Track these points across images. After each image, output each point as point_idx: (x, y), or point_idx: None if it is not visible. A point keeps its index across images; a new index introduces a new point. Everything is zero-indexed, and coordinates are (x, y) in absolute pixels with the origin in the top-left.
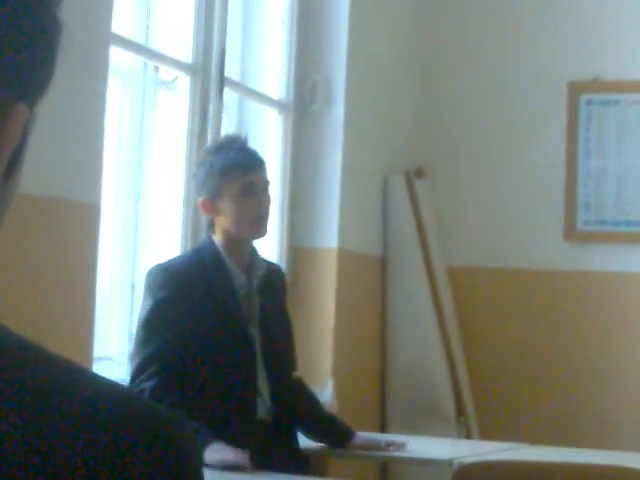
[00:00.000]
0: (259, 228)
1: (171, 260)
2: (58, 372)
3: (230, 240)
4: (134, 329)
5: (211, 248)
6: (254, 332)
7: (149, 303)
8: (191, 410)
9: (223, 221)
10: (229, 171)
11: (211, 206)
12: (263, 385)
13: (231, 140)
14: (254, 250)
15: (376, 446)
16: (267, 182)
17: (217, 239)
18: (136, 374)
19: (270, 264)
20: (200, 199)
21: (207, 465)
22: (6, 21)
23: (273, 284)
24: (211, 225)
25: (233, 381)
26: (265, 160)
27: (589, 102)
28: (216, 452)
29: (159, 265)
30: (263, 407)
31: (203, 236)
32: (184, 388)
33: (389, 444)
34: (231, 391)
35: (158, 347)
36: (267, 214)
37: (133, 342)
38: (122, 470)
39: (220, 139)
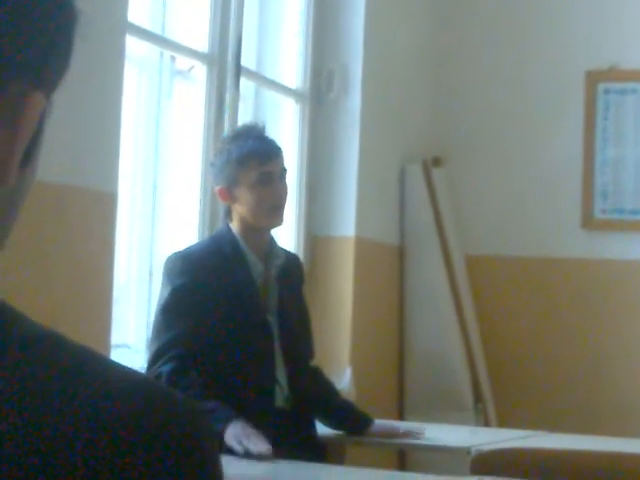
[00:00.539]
0: (276, 217)
1: (189, 247)
2: (68, 364)
3: (247, 228)
4: (152, 316)
5: (229, 236)
6: (272, 321)
7: (167, 290)
8: (211, 392)
9: (240, 209)
10: (246, 160)
11: (228, 194)
12: (281, 374)
13: (249, 129)
14: (272, 239)
15: (394, 433)
16: (284, 170)
17: (235, 227)
18: (153, 360)
19: (288, 253)
20: (217, 187)
21: (227, 449)
22: (22, 10)
23: (291, 273)
24: (228, 213)
25: (251, 369)
26: (282, 148)
27: (606, 91)
28: (237, 434)
29: (177, 252)
30: (281, 395)
31: (220, 224)
32: (202, 375)
33: (407, 432)
34: (249, 379)
35: (176, 334)
36: (284, 203)
37: (151, 329)
38: (122, 470)
39: (238, 128)
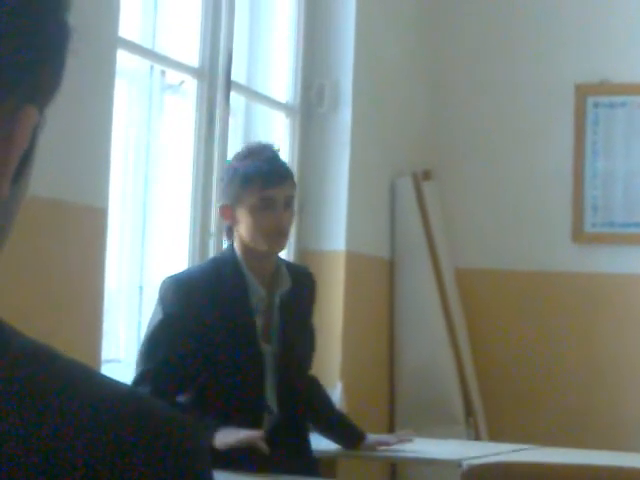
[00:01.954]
0: (274, 243)
1: (187, 271)
2: (62, 372)
3: (248, 251)
4: (142, 331)
5: (231, 259)
6: (266, 349)
7: (158, 316)
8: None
9: (241, 231)
10: (249, 181)
11: (230, 213)
12: (272, 398)
13: (261, 148)
14: (280, 263)
15: (386, 445)
16: (291, 197)
17: (237, 248)
18: (136, 383)
19: (300, 272)
20: (220, 204)
21: (219, 454)
22: (16, 25)
23: (300, 295)
24: (230, 232)
25: (238, 399)
26: (292, 174)
27: (596, 104)
28: (226, 435)
29: (173, 276)
30: (268, 422)
31: (224, 243)
32: (186, 398)
33: (399, 440)
34: (236, 409)
35: (156, 365)
36: (285, 231)
37: (139, 350)
38: (122, 470)
39: (251, 145)
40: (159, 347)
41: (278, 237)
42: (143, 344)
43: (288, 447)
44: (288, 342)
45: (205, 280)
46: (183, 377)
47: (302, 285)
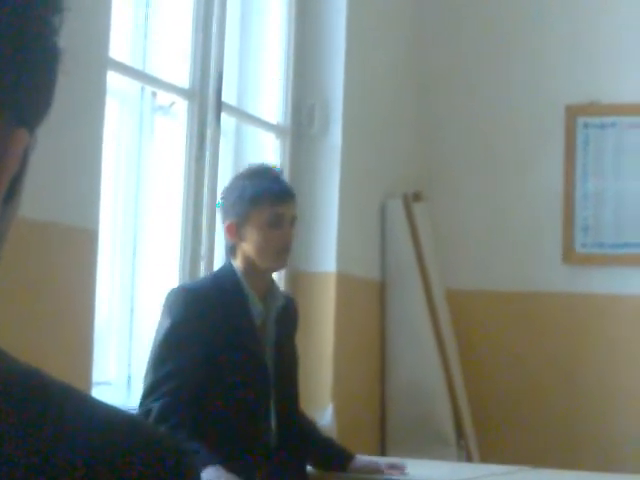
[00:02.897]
0: (281, 261)
1: (192, 282)
2: (54, 396)
3: (251, 268)
4: (134, 353)
5: (231, 274)
6: (269, 363)
7: (167, 323)
8: (200, 432)
9: (246, 248)
10: (260, 199)
11: (236, 231)
12: (272, 414)
13: (265, 169)
14: (273, 280)
15: (376, 469)
16: (296, 217)
17: (238, 265)
18: (147, 393)
19: (287, 296)
20: (226, 223)
21: None
22: (7, 47)
23: (287, 316)
24: (232, 250)
25: (247, 409)
26: (296, 194)
27: (586, 125)
28: (210, 476)
29: (180, 286)
30: (271, 436)
31: (223, 260)
32: (196, 411)
33: (389, 467)
34: (244, 419)
35: (172, 369)
36: (290, 248)
37: (148, 361)
38: (122, 471)
39: (254, 166)
40: (171, 352)
41: (284, 254)
42: (153, 352)
43: (283, 465)
44: (281, 355)
45: (210, 290)
46: (194, 385)
47: (289, 307)
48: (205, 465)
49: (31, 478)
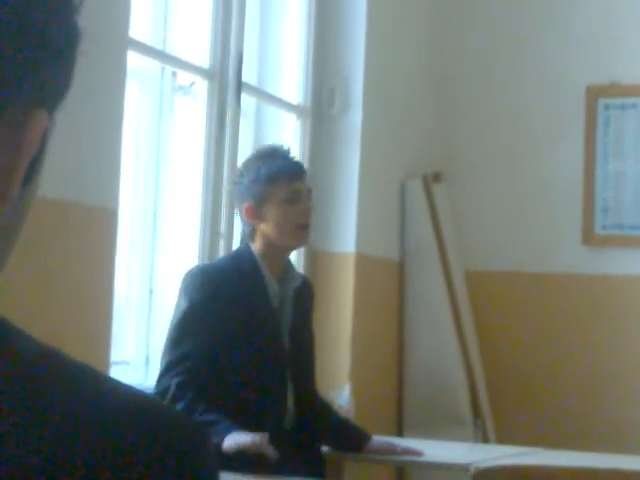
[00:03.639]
0: (302, 236)
1: (209, 263)
2: (68, 374)
3: (270, 248)
4: (152, 333)
5: (248, 256)
6: (286, 343)
7: (185, 304)
8: (216, 404)
9: (266, 228)
10: (276, 178)
11: (255, 213)
12: (289, 396)
13: (275, 149)
14: (289, 261)
15: (392, 451)
16: (310, 190)
17: (256, 247)
18: (164, 372)
19: (303, 277)
20: (244, 205)
21: (226, 456)
22: (26, 29)
23: (304, 297)
24: (252, 234)
25: (264, 390)
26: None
27: (607, 106)
28: (233, 439)
29: (197, 267)
30: (288, 417)
31: (240, 244)
32: (212, 391)
33: (405, 450)
34: (261, 400)
35: (189, 349)
36: (310, 222)
37: (165, 341)
38: (123, 470)
39: (264, 148)
40: (189, 332)
41: (304, 230)
42: (171, 332)
43: (299, 451)
44: (297, 335)
45: (228, 273)
46: (211, 365)
47: (305, 288)
48: (227, 432)
49: (31, 478)
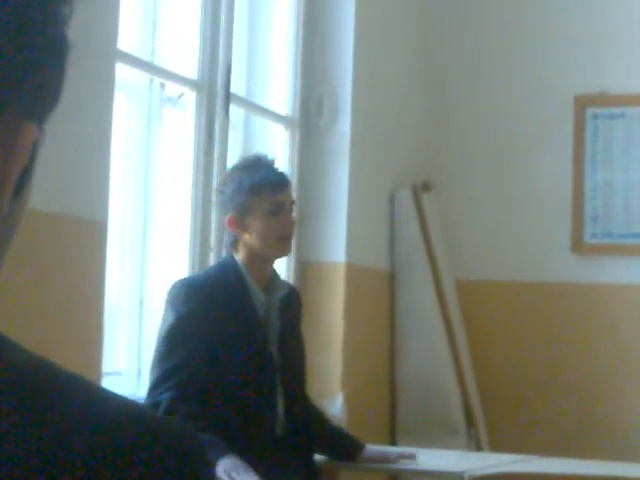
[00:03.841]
0: (284, 247)
1: (195, 275)
2: (62, 384)
3: (253, 258)
4: (143, 344)
5: (233, 266)
6: (273, 352)
7: (172, 317)
8: (209, 424)
9: (249, 238)
10: (259, 188)
11: (238, 223)
12: (279, 403)
13: (259, 159)
14: (275, 270)
15: (386, 459)
16: (293, 202)
17: (240, 257)
18: (154, 387)
19: (290, 286)
20: (227, 215)
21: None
22: (15, 40)
23: (291, 306)
24: (234, 244)
25: (253, 399)
26: (291, 180)
27: (595, 116)
28: (227, 471)
29: (183, 279)
30: (279, 424)
31: (224, 254)
32: (203, 403)
33: (399, 456)
34: (250, 409)
35: (178, 361)
36: (292, 234)
37: (153, 354)
38: (123, 470)
39: (248, 157)
40: (177, 345)
41: (286, 240)
42: (159, 345)
43: (292, 460)
44: (286, 344)
45: (213, 284)
46: (199, 378)
47: (292, 296)
48: (221, 454)
49: (31, 478)
